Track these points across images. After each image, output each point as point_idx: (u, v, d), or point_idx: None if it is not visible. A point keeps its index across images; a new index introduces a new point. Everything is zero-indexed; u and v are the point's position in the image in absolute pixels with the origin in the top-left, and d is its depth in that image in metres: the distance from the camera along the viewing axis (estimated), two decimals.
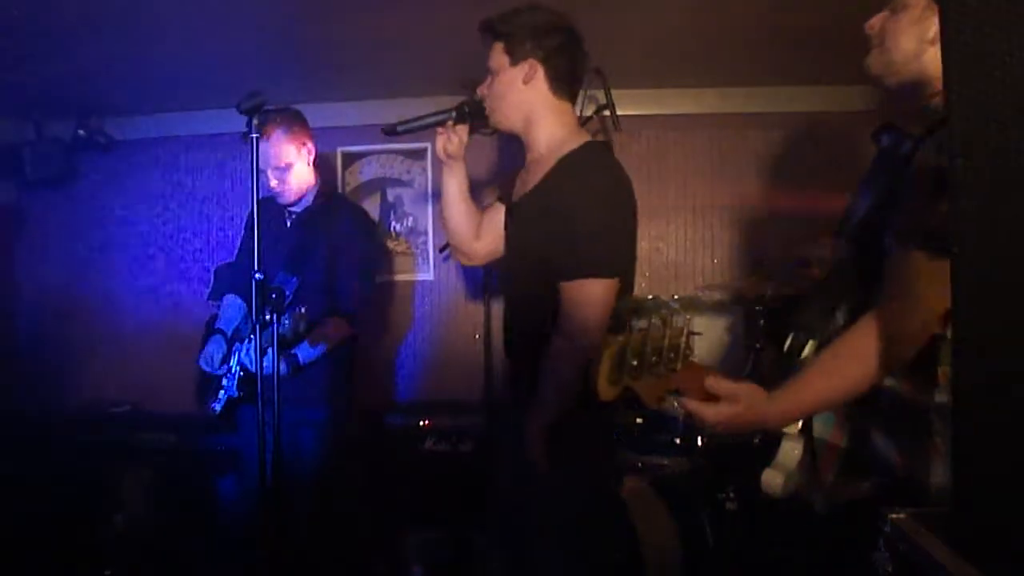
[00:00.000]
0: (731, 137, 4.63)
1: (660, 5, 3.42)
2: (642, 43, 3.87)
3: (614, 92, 3.41)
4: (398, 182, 4.92)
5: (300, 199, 3.46)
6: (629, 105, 3.87)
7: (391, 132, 2.52)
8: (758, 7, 3.36)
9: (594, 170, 2.35)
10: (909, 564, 1.39)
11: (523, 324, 2.51)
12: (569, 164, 2.34)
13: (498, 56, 2.43)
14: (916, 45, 1.80)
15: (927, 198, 1.56)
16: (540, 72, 2.40)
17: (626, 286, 2.32)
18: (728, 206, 4.64)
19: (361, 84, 4.57)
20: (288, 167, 3.34)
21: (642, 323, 1.36)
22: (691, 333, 1.47)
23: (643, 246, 4.48)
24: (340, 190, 4.92)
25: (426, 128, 2.56)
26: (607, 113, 3.46)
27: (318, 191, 3.52)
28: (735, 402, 1.60)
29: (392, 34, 3.72)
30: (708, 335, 4.56)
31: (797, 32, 3.50)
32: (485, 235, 2.72)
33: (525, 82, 2.40)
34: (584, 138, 2.45)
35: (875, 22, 1.89)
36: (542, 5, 2.45)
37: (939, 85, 1.56)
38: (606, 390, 1.36)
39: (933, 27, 1.73)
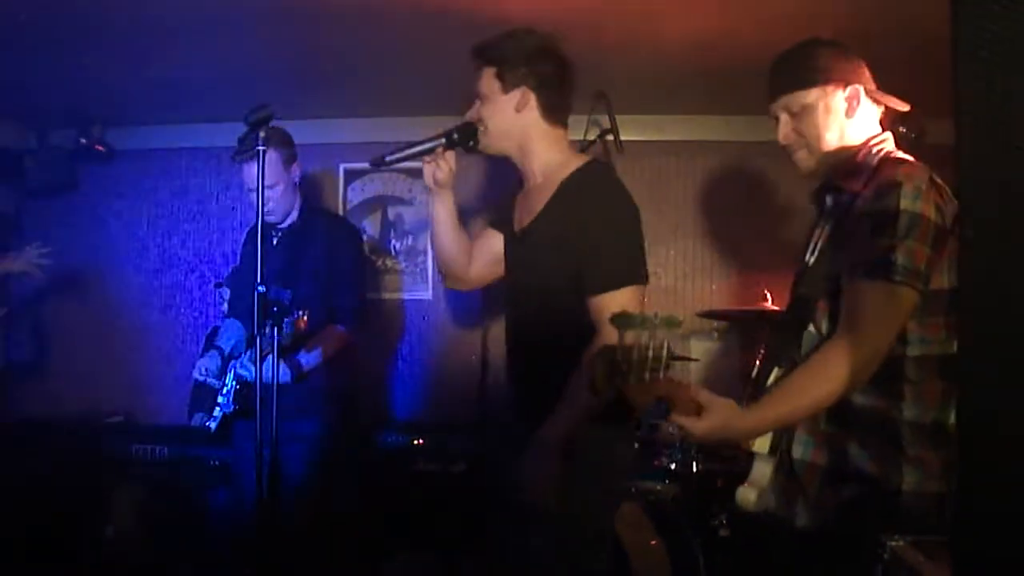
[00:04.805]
0: (733, 164, 4.64)
1: (665, 34, 3.44)
2: (645, 69, 3.89)
3: (617, 117, 3.42)
4: (400, 200, 4.93)
5: (286, 217, 3.49)
6: (632, 130, 3.88)
7: (379, 164, 2.49)
8: (761, 36, 3.38)
9: (603, 185, 2.36)
10: None
11: (538, 346, 2.43)
12: (575, 184, 2.34)
13: (489, 82, 2.39)
14: (839, 131, 2.00)
15: (868, 236, 1.82)
16: (532, 100, 2.37)
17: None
18: (728, 233, 4.65)
19: (365, 101, 4.59)
20: (276, 186, 3.36)
21: (629, 334, 1.55)
22: (675, 356, 1.62)
23: None
24: (341, 207, 4.93)
25: (415, 156, 2.45)
26: (610, 137, 3.47)
27: (303, 209, 3.54)
28: (715, 414, 1.76)
29: (397, 51, 3.74)
30: (705, 361, 4.55)
31: None
32: (477, 261, 2.70)
33: (518, 110, 2.37)
34: (582, 159, 2.45)
35: (787, 133, 2.05)
36: (534, 29, 2.40)
37: (867, 143, 1.99)
38: (603, 387, 1.58)
39: (840, 104, 1.99)
